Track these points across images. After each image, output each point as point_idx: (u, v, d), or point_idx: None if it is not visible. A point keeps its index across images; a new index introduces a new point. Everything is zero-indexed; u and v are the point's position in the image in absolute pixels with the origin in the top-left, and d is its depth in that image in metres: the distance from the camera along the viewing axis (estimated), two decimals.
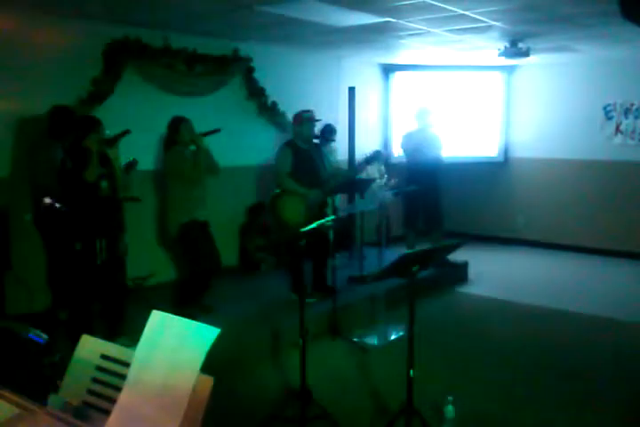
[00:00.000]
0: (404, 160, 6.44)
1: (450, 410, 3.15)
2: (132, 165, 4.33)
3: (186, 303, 4.58)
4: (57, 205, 3.72)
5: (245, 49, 6.01)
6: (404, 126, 7.88)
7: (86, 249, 3.83)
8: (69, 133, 4.42)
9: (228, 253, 5.99)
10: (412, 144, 6.20)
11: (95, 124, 3.96)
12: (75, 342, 1.59)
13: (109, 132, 4.08)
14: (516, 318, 5.25)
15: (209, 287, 4.77)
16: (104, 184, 3.91)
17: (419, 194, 5.73)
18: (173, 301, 4.73)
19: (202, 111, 5.35)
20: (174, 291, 4.92)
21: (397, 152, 8.01)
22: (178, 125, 4.53)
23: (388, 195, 5.32)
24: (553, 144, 7.78)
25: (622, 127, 7.26)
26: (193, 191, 4.51)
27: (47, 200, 3.68)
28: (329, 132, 6.34)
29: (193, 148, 4.53)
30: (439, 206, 6.34)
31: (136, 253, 5.10)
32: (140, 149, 4.90)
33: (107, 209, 3.95)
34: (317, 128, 5.77)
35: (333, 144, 6.39)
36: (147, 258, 5.29)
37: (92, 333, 1.62)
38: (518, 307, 5.55)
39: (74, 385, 1.52)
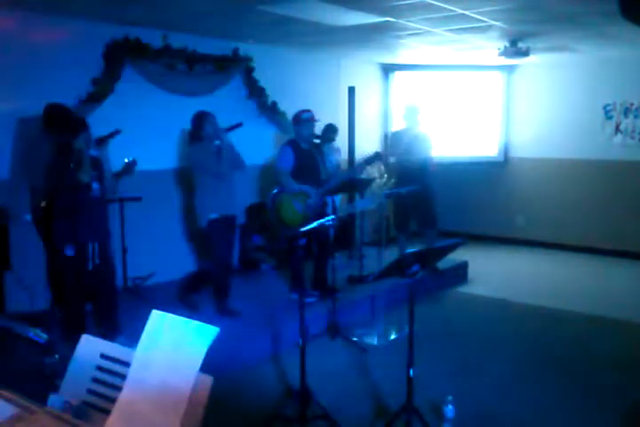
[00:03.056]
0: (393, 160, 6.22)
1: (450, 410, 3.15)
2: (131, 166, 4.32)
3: (190, 293, 4.63)
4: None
5: (245, 49, 6.01)
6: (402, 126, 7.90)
7: (79, 251, 3.81)
8: (63, 131, 4.41)
9: None
10: (401, 144, 6.01)
11: (85, 126, 3.95)
12: (70, 341, 1.59)
13: (105, 132, 4.06)
14: (516, 318, 5.25)
15: (229, 286, 4.78)
16: (95, 186, 3.90)
17: (408, 196, 5.62)
18: (181, 291, 4.76)
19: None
20: (186, 281, 4.94)
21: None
22: (202, 120, 4.53)
23: (382, 195, 5.31)
24: (553, 144, 7.78)
25: (622, 127, 7.26)
26: (219, 186, 4.52)
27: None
28: (331, 131, 6.32)
29: (217, 142, 4.53)
30: (432, 207, 6.17)
31: (138, 252, 5.11)
32: (140, 148, 4.91)
33: (98, 211, 3.95)
34: (319, 128, 5.77)
35: (335, 143, 6.38)
36: (148, 257, 5.29)
37: (86, 332, 1.62)
38: (518, 307, 5.55)
39: (74, 385, 1.52)
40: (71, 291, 3.93)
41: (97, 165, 3.91)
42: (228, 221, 4.61)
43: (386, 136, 7.75)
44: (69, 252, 3.79)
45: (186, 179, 5.25)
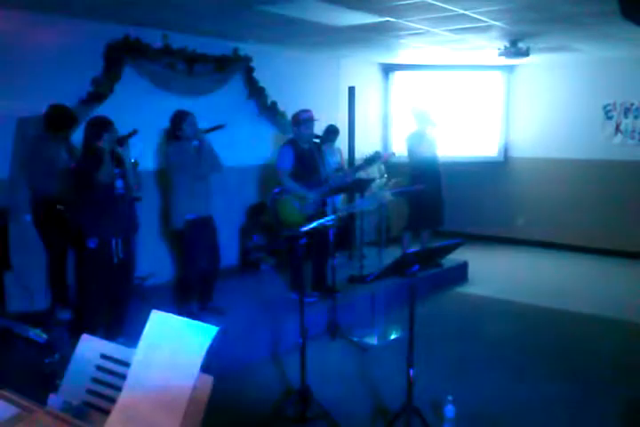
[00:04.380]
0: (410, 161, 6.23)
1: (450, 410, 3.15)
2: (134, 166, 4.32)
3: (185, 302, 4.58)
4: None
5: (245, 49, 6.01)
6: (403, 126, 7.90)
7: (102, 249, 3.83)
8: (67, 132, 4.43)
9: (228, 253, 5.99)
10: (424, 146, 6.09)
11: (108, 124, 3.96)
12: (77, 341, 1.59)
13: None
14: (516, 318, 5.25)
15: (213, 287, 4.76)
16: (119, 183, 3.93)
17: (425, 195, 5.71)
18: (175, 301, 4.73)
19: (202, 111, 5.34)
20: (175, 290, 4.92)
21: (398, 152, 7.98)
22: (180, 120, 4.51)
23: (388, 195, 5.31)
24: (553, 144, 7.78)
25: (622, 127, 7.26)
26: (197, 187, 4.49)
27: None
28: (332, 132, 6.32)
29: (196, 143, 4.51)
30: (443, 208, 6.31)
31: (137, 252, 5.11)
32: (140, 149, 4.91)
33: (122, 208, 3.96)
34: (320, 128, 5.77)
35: (335, 145, 6.38)
36: (147, 257, 5.29)
37: (97, 332, 1.62)
38: (518, 307, 5.54)
39: (74, 385, 1.52)
40: (92, 288, 3.94)
41: (120, 162, 3.94)
42: (204, 222, 4.56)
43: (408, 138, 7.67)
44: (92, 244, 3.81)
45: (165, 179, 5.21)
